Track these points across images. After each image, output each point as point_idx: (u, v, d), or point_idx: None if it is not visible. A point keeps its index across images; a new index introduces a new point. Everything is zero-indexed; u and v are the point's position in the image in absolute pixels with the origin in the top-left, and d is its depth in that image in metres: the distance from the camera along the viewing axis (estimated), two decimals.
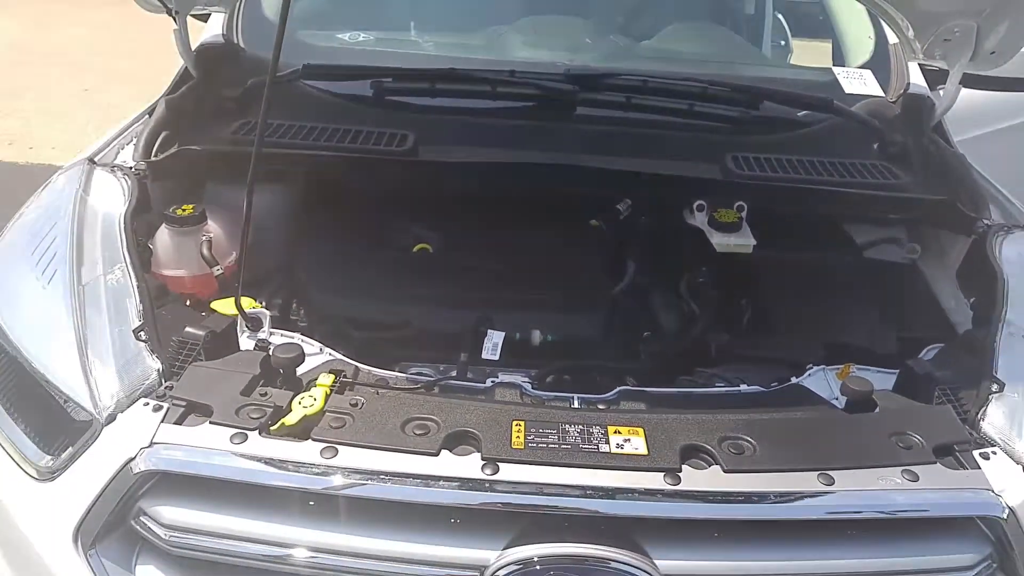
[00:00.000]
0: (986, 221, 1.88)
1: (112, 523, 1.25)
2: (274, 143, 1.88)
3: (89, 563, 1.25)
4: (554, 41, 2.57)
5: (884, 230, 2.08)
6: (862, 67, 2.52)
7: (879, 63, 2.51)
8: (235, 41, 2.35)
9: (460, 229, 1.97)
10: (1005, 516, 1.26)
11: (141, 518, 1.24)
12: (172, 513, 1.22)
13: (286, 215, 1.96)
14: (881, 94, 2.38)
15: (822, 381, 1.55)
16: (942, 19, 2.03)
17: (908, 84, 2.37)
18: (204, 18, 2.47)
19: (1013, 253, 1.76)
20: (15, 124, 6.73)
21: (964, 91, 2.66)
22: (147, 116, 2.09)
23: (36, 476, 1.33)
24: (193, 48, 2.19)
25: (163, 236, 1.77)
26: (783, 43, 3.31)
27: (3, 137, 6.40)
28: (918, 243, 2.04)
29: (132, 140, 1.97)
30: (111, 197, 1.74)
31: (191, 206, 1.78)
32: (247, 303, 1.56)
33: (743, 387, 1.55)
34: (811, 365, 1.58)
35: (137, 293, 1.49)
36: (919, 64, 2.40)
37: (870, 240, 2.09)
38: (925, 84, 2.39)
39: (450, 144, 1.98)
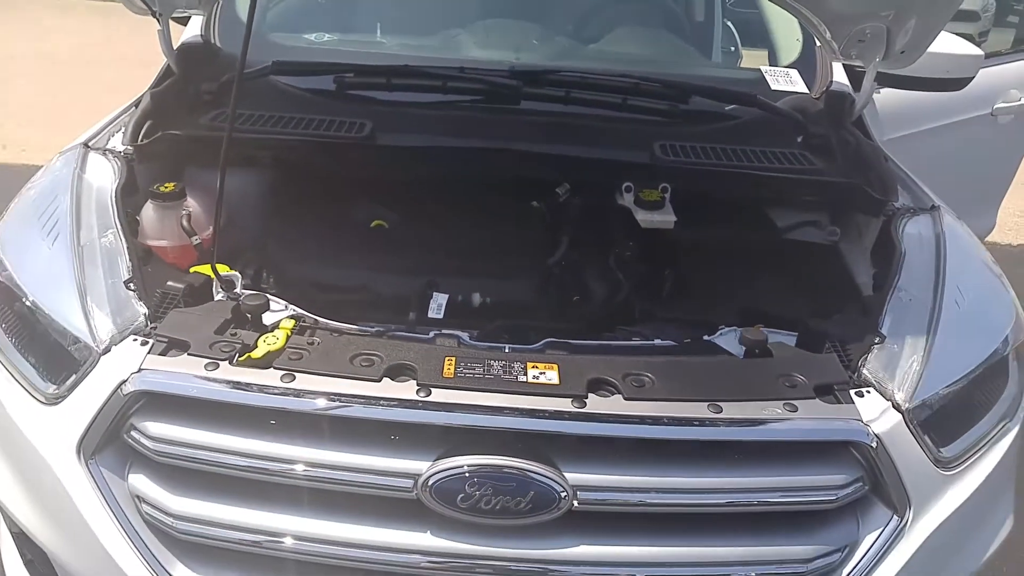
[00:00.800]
0: (895, 205, 2.08)
1: (108, 438, 1.46)
2: (245, 130, 2.07)
3: (90, 471, 1.46)
4: (505, 42, 2.79)
5: (806, 214, 2.27)
6: (789, 67, 2.75)
7: (806, 63, 2.73)
8: (212, 41, 2.55)
9: (413, 207, 2.16)
10: (872, 444, 1.46)
11: (132, 433, 1.45)
12: (157, 429, 1.43)
13: (257, 194, 2.15)
14: (805, 91, 2.58)
15: (732, 341, 1.72)
16: (853, 21, 2.24)
17: (831, 82, 2.59)
18: (184, 21, 2.68)
19: (914, 231, 1.97)
20: (7, 129, 6.90)
21: (907, 93, 2.92)
22: (134, 107, 2.29)
23: (43, 401, 1.54)
24: (174, 47, 2.41)
25: (148, 210, 1.97)
26: (732, 49, 3.52)
27: None
28: (839, 227, 2.24)
29: (121, 128, 2.17)
30: (104, 175, 1.95)
31: (172, 184, 1.99)
32: (222, 269, 1.76)
33: (656, 341, 1.75)
34: (723, 327, 1.77)
35: (127, 253, 1.70)
36: (843, 64, 2.63)
37: (793, 223, 2.28)
38: (848, 82, 2.60)
39: (405, 132, 2.17)
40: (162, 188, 1.98)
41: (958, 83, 2.78)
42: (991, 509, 1.67)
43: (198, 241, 1.97)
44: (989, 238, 5.82)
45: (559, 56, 2.82)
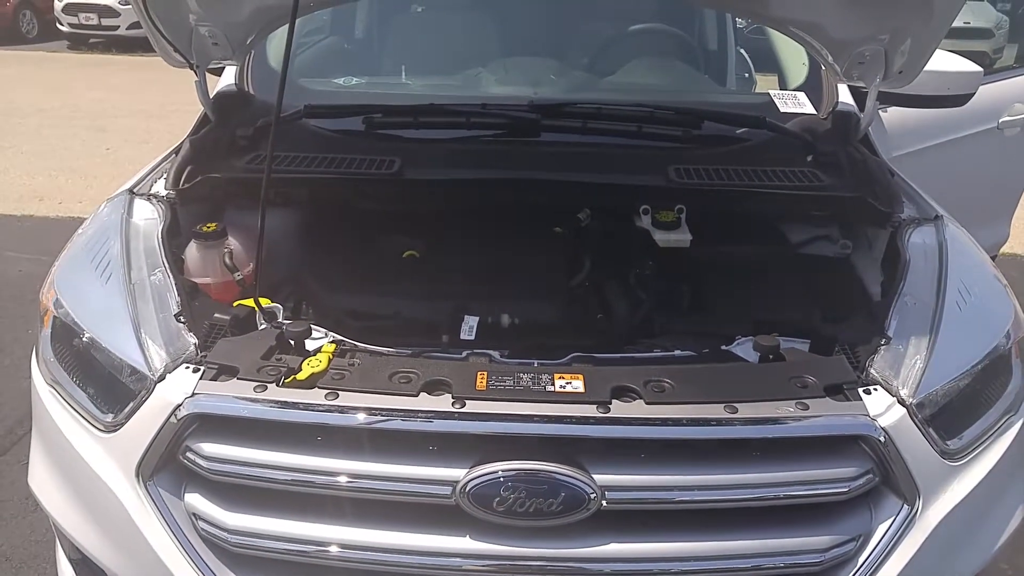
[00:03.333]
0: (901, 216, 2.18)
1: (164, 460, 1.58)
2: (282, 170, 2.21)
3: (149, 493, 1.58)
4: (524, 78, 2.94)
5: (818, 229, 2.38)
6: (797, 90, 2.86)
7: (813, 86, 2.85)
8: (246, 89, 2.72)
9: (442, 237, 2.28)
10: (880, 437, 1.56)
11: (187, 454, 1.56)
12: (211, 449, 1.55)
13: (295, 230, 2.29)
14: (813, 112, 2.69)
15: (748, 350, 1.82)
16: (852, 45, 2.35)
17: (837, 103, 2.70)
18: (219, 72, 2.85)
19: (919, 240, 2.07)
20: (44, 182, 7.14)
21: (915, 110, 3.03)
22: (173, 155, 2.44)
23: (102, 429, 1.66)
24: (211, 96, 2.56)
25: (192, 250, 2.11)
26: (747, 75, 3.64)
27: (34, 194, 6.80)
28: (850, 240, 2.35)
29: (162, 175, 2.32)
30: (149, 219, 2.09)
31: (214, 224, 2.13)
32: (264, 302, 1.89)
33: (676, 352, 1.85)
34: (740, 337, 1.87)
35: (175, 289, 1.83)
36: (848, 85, 2.73)
37: (807, 238, 2.39)
38: (853, 102, 2.71)
39: (432, 167, 2.30)
40: (205, 228, 2.12)
41: (959, 99, 2.88)
42: (999, 499, 1.74)
43: (240, 277, 2.10)
44: (1004, 248, 5.90)
45: (576, 89, 2.96)
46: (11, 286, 5.00)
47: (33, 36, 16.48)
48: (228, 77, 2.78)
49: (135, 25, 15.68)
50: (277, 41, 2.84)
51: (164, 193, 2.21)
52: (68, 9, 15.68)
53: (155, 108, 10.37)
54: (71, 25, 15.76)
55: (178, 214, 2.17)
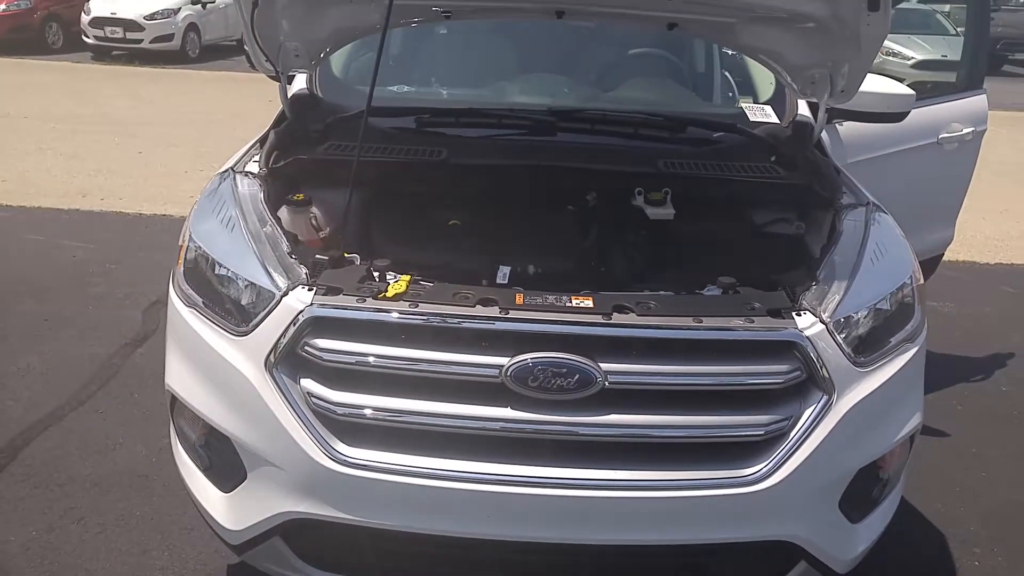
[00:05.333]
0: (841, 201, 2.77)
1: (285, 354, 2.15)
2: (353, 155, 2.80)
3: (274, 379, 2.15)
4: (542, 91, 3.61)
5: (779, 213, 2.95)
6: (766, 103, 3.48)
7: (778, 100, 3.47)
8: (315, 93, 3.34)
9: (480, 210, 2.87)
10: (805, 344, 2.14)
11: (305, 348, 2.14)
12: (324, 343, 2.12)
13: (365, 202, 2.86)
14: (777, 121, 3.32)
15: (715, 293, 2.40)
16: (805, 68, 3.00)
17: (797, 114, 3.33)
18: (290, 80, 3.46)
19: (851, 219, 2.65)
20: (84, 180, 7.72)
21: (868, 125, 3.62)
22: (259, 144, 3.03)
23: (236, 334, 2.23)
24: (288, 96, 3.17)
25: (284, 213, 2.71)
26: (730, 94, 4.24)
27: (77, 191, 7.38)
28: (803, 222, 2.93)
29: (253, 157, 2.91)
30: (251, 188, 2.67)
31: (302, 195, 2.74)
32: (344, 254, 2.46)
33: (661, 292, 2.45)
34: (710, 285, 2.46)
35: (283, 237, 2.42)
36: (807, 101, 3.35)
37: (770, 219, 2.98)
38: (810, 115, 3.32)
39: (471, 157, 2.90)
40: (295, 197, 2.72)
41: (897, 116, 3.51)
42: (898, 403, 2.33)
43: (323, 235, 2.70)
44: (968, 257, 6.57)
45: (585, 100, 3.63)
46: (69, 269, 5.61)
47: (58, 47, 17.24)
48: (299, 83, 3.39)
49: (158, 39, 16.51)
50: (337, 55, 3.46)
51: (257, 170, 2.80)
52: (95, 23, 16.48)
53: (180, 117, 11.01)
54: (96, 38, 16.55)
55: (270, 187, 2.75)
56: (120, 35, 16.37)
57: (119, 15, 16.34)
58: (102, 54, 16.75)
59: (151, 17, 16.49)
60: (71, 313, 4.92)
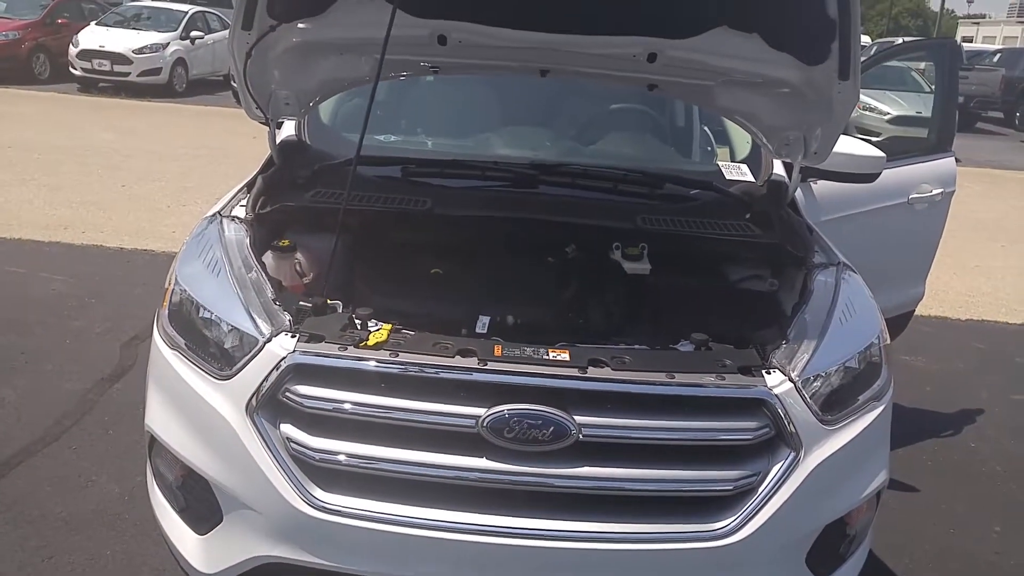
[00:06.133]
0: (813, 261, 2.87)
1: (266, 400, 2.19)
2: (340, 203, 2.85)
3: (255, 423, 2.19)
4: (525, 144, 3.70)
5: (753, 270, 3.04)
6: (742, 162, 3.58)
7: (754, 159, 3.58)
8: (303, 139, 3.40)
9: (462, 260, 2.92)
10: (774, 402, 2.20)
11: (286, 394, 2.18)
12: (304, 390, 2.16)
13: (349, 249, 2.91)
14: (752, 180, 3.42)
15: (688, 348, 2.46)
16: (780, 130, 3.10)
17: (772, 173, 3.43)
18: (279, 125, 3.53)
19: (822, 279, 2.74)
20: (66, 212, 7.70)
21: (841, 185, 3.73)
22: (246, 188, 3.09)
23: (218, 378, 2.27)
24: (277, 143, 3.23)
25: (269, 258, 2.75)
26: (709, 148, 4.34)
27: (59, 223, 7.36)
28: (777, 280, 3.01)
29: (240, 202, 2.97)
30: (237, 233, 2.73)
31: (287, 240, 2.79)
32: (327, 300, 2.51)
33: (636, 347, 2.51)
34: (684, 341, 2.53)
35: (268, 283, 2.46)
36: (783, 161, 3.45)
37: (744, 275, 3.06)
38: (785, 174, 3.42)
39: (455, 207, 2.96)
40: (281, 243, 2.77)
41: (869, 177, 3.62)
42: (865, 459, 2.39)
43: (307, 281, 2.75)
44: (940, 312, 6.69)
45: (567, 154, 3.71)
46: (48, 302, 5.58)
47: (45, 78, 17.27)
48: (287, 129, 3.46)
49: (145, 72, 16.61)
50: (326, 102, 3.53)
51: (243, 216, 2.85)
52: (83, 55, 16.57)
53: (165, 150, 11.05)
54: (84, 70, 16.61)
55: (256, 232, 2.80)
56: (108, 68, 16.45)
57: (107, 48, 16.44)
58: (88, 86, 16.79)
59: (139, 51, 16.59)
60: (49, 347, 4.91)
